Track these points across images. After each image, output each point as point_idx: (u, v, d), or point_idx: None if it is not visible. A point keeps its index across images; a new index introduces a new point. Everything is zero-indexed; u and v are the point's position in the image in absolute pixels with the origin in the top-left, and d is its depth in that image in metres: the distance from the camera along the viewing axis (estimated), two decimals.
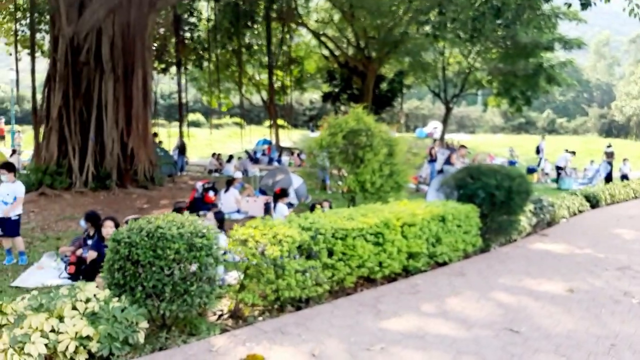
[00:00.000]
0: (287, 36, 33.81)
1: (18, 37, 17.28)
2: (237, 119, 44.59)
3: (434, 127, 40.36)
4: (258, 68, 35.76)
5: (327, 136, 9.40)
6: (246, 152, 26.77)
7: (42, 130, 15.03)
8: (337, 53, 32.80)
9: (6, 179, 7.31)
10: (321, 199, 9.74)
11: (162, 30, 25.47)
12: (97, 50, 14.88)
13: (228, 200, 12.01)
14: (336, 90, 38.77)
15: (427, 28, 16.72)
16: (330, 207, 8.51)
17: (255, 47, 32.37)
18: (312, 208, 7.69)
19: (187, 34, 28.04)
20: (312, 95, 48.08)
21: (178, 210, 9.22)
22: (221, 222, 7.50)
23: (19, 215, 7.48)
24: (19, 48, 17.93)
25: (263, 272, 4.60)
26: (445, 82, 32.77)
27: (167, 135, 32.35)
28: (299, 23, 31.62)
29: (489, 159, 24.37)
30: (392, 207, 6.20)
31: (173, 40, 26.72)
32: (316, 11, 33.76)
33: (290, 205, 12.39)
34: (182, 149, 20.31)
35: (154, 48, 26.63)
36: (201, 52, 29.17)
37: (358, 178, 9.05)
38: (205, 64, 30.27)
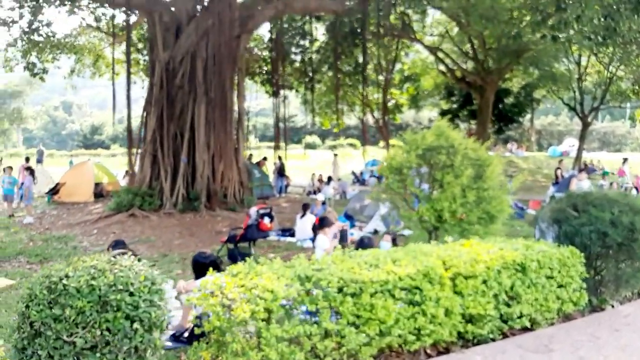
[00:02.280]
0: (402, 53, 32.61)
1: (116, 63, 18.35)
2: (352, 140, 44.06)
3: (570, 144, 35.62)
4: (372, 87, 34.80)
5: (400, 155, 7.94)
6: (352, 173, 25.76)
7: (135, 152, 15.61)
8: (453, 67, 30.61)
9: None
10: (391, 231, 8.23)
11: (267, 53, 25.77)
12: (191, 73, 15.06)
13: (304, 226, 10.99)
14: (454, 106, 36.39)
15: (545, 30, 14.24)
16: (395, 243, 7.00)
17: (369, 66, 31.50)
18: (360, 243, 6.26)
19: (298, 57, 28.23)
20: (431, 113, 45.89)
21: (232, 238, 8.44)
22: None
23: None
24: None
25: (226, 340, 3.38)
26: (582, 94, 28.62)
27: (284, 157, 32.82)
28: (413, 39, 30.07)
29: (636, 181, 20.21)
30: (445, 249, 4.59)
31: (283, 62, 27.11)
32: (432, 26, 32.01)
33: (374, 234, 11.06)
34: (280, 170, 19.93)
35: (263, 72, 27.23)
36: (311, 74, 29.12)
37: (434, 205, 7.42)
38: (317, 85, 30.21)
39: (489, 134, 35.05)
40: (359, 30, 25.87)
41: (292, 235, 11.19)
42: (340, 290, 3.76)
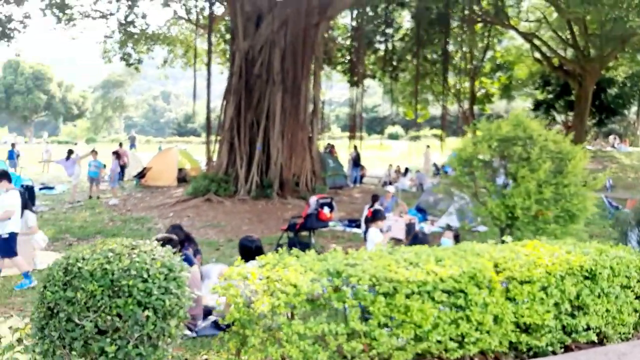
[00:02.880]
0: (494, 40, 30.87)
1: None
2: (437, 131, 42.63)
3: None
4: (460, 76, 33.22)
5: (470, 146, 7.38)
6: (434, 165, 24.85)
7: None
8: (550, 55, 28.37)
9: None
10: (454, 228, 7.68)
11: (350, 42, 25.45)
12: (269, 62, 15.21)
13: None
14: (550, 97, 33.87)
15: None
16: (457, 240, 6.51)
17: (458, 54, 30.09)
18: (414, 238, 5.87)
19: (382, 45, 27.61)
20: (524, 104, 43.18)
21: (292, 226, 8.36)
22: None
23: (10, 233, 6.46)
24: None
25: (247, 334, 3.23)
26: None
27: (364, 148, 32.46)
28: (507, 25, 28.25)
29: None
30: (501, 250, 4.10)
31: (366, 51, 26.66)
32: (528, 11, 29.85)
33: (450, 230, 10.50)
34: (356, 160, 19.66)
35: (345, 61, 26.95)
36: (395, 63, 28.41)
37: (505, 201, 6.82)
38: (401, 74, 29.45)
39: (588, 127, 32.23)
40: (446, 16, 24.77)
41: (359, 226, 10.95)
42: (372, 287, 3.47)
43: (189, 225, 11.32)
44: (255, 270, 3.47)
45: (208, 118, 16.01)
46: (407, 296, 3.50)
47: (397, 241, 10.08)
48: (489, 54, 32.47)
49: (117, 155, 15.21)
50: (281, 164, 14.79)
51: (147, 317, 2.91)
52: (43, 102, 61.61)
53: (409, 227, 10.08)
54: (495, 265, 3.88)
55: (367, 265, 3.60)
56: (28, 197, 13.19)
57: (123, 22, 23.55)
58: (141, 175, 18.81)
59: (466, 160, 7.28)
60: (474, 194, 7.62)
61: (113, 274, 2.89)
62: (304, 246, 8.54)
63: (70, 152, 15.25)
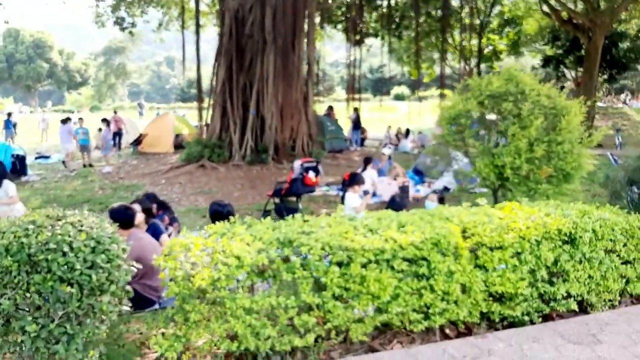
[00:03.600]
0: None
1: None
2: (446, 91, 41.73)
3: None
4: (467, 33, 32.03)
5: (458, 102, 6.99)
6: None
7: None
8: (559, 8, 27.19)
9: None
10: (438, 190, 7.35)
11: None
12: (260, 22, 14.62)
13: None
14: (560, 52, 32.74)
15: None
16: (442, 203, 6.21)
17: (464, 9, 28.96)
18: (391, 202, 5.56)
19: (384, 2, 26.63)
20: (533, 61, 41.91)
21: (278, 191, 8.12)
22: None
23: None
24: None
25: (187, 310, 3.00)
26: None
27: (368, 109, 31.84)
28: None
29: None
30: (473, 214, 3.80)
31: (368, 9, 25.73)
32: None
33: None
34: (356, 122, 19.21)
35: (346, 17, 26.02)
36: (398, 20, 27.47)
37: (494, 161, 6.48)
38: (405, 32, 28.53)
39: (599, 83, 31.23)
40: None
41: None
42: (324, 257, 3.21)
43: (179, 192, 11.15)
44: (200, 240, 3.22)
45: (199, 81, 15.61)
46: (364, 265, 3.24)
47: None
48: (497, 9, 31.31)
49: (107, 122, 14.93)
50: (276, 127, 14.42)
51: (71, 293, 2.68)
52: (45, 71, 61.23)
53: (403, 190, 9.79)
54: (464, 231, 3.59)
55: (321, 233, 3.33)
56: (19, 166, 13.08)
57: None
58: (137, 142, 18.59)
59: (454, 118, 6.90)
60: (465, 154, 7.29)
61: (30, 248, 2.65)
62: (291, 212, 8.31)
63: (67, 119, 14.98)
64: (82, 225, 2.93)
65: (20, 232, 2.72)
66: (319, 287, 3.25)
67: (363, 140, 20.17)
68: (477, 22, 28.90)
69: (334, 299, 3.21)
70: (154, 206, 6.74)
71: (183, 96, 60.51)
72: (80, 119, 14.50)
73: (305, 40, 15.52)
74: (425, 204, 6.45)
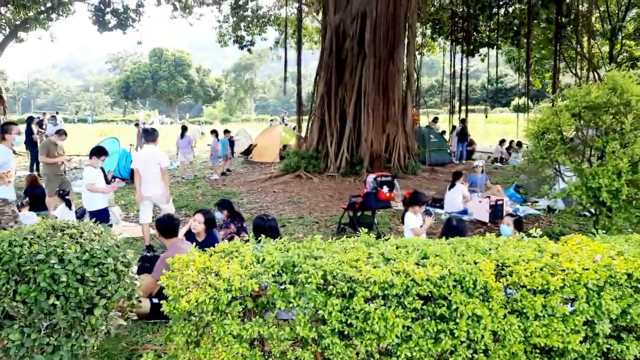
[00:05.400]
0: None
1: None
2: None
3: None
4: (597, 39, 28.90)
5: (549, 115, 6.17)
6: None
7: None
8: None
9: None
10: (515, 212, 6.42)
11: (463, 9, 23.39)
12: (360, 35, 14.53)
13: (453, 198, 9.76)
14: None
15: None
16: (519, 228, 5.43)
17: (595, 14, 26.27)
18: (447, 225, 4.94)
19: (502, 10, 25.09)
20: None
21: (352, 205, 7.85)
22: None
23: (98, 209, 6.98)
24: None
25: (175, 331, 2.88)
26: None
27: (484, 121, 30.06)
28: None
29: None
30: (519, 247, 3.18)
31: (481, 17, 24.40)
32: None
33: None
34: (461, 135, 18.15)
35: (458, 28, 24.91)
36: (516, 28, 25.64)
37: (588, 182, 5.57)
38: (524, 40, 26.57)
39: None
40: None
41: (442, 207, 10.02)
42: (321, 287, 2.88)
43: (270, 201, 11.35)
44: (201, 258, 3.09)
45: (299, 95, 15.90)
46: (368, 300, 2.85)
47: (482, 224, 9.02)
48: (633, 12, 27.80)
49: (216, 133, 15.79)
50: (372, 139, 14.14)
51: (54, 305, 2.69)
52: (184, 87, 67.44)
53: (496, 207, 8.93)
54: (501, 267, 3.01)
55: (327, 260, 3.00)
56: None
57: (235, 5, 24.44)
58: (247, 151, 19.50)
59: (543, 132, 6.07)
60: (556, 172, 6.38)
61: (20, 258, 2.71)
62: (365, 227, 7.98)
63: (184, 128, 16.21)
64: (80, 237, 2.95)
65: (20, 240, 2.80)
66: (319, 319, 2.93)
67: (471, 153, 18.99)
68: (609, 27, 25.94)
69: (333, 335, 2.87)
70: (225, 213, 6.88)
71: (303, 109, 62.59)
72: (226, 130, 15.74)
73: (405, 51, 15.05)
74: (500, 229, 5.71)
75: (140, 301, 3.38)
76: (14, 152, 21.81)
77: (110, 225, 7.29)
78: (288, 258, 3.06)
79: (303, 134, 16.06)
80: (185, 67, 67.67)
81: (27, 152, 16.77)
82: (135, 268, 5.48)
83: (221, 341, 2.84)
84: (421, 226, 5.44)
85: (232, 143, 20.24)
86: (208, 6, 24.33)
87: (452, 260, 3.01)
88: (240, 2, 24.13)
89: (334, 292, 2.87)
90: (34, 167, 14.85)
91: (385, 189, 7.37)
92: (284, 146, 19.11)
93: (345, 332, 2.91)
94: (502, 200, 9.08)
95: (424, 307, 2.90)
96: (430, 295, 2.89)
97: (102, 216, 7.03)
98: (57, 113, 25.63)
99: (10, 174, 6.84)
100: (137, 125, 24.32)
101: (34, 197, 9.50)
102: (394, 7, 14.15)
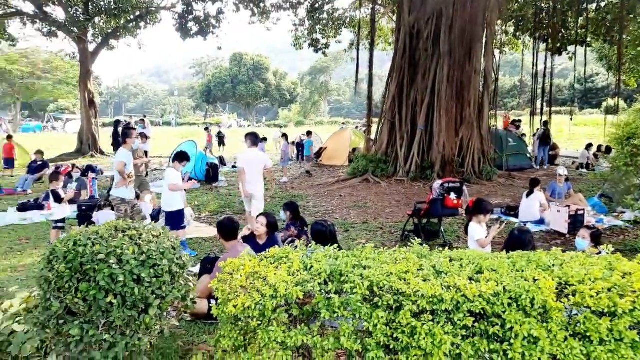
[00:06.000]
0: None
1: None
2: None
3: None
4: None
5: (635, 119, 5.67)
6: None
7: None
8: None
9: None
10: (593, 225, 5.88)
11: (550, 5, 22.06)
12: (435, 35, 14.19)
13: (529, 206, 9.24)
14: None
15: None
16: (598, 242, 5.01)
17: None
18: (510, 237, 4.62)
19: (593, 5, 23.45)
20: None
21: (417, 212, 7.66)
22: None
23: (176, 210, 7.31)
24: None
25: (222, 334, 2.93)
26: None
27: (571, 124, 28.27)
28: None
29: None
30: (584, 264, 2.91)
31: (569, 13, 22.93)
32: None
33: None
34: (543, 139, 17.14)
35: (544, 25, 23.59)
36: (609, 24, 23.84)
37: None
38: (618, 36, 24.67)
39: None
40: None
41: (517, 215, 9.52)
42: (367, 298, 2.82)
43: (336, 204, 11.36)
44: (251, 263, 3.14)
45: (369, 97, 15.74)
46: (416, 314, 2.75)
47: (560, 235, 8.44)
48: None
49: (285, 136, 16.09)
50: (444, 143, 13.74)
51: (111, 303, 2.84)
52: (262, 90, 69.36)
53: (575, 219, 8.33)
54: (564, 286, 2.78)
55: (374, 270, 2.93)
56: (212, 174, 14.92)
57: (310, 9, 24.75)
58: (318, 154, 19.68)
59: (628, 138, 5.58)
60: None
61: (82, 257, 2.89)
62: (431, 235, 7.75)
63: (285, 135, 16.84)
64: (139, 239, 3.10)
65: (84, 240, 2.99)
66: (364, 331, 2.87)
67: (554, 158, 17.89)
68: None
69: (379, 348, 2.79)
70: (288, 214, 6.96)
71: (376, 112, 62.24)
72: (309, 132, 16.18)
73: (483, 51, 14.47)
74: (576, 242, 5.30)
75: (195, 302, 3.49)
76: (103, 153, 23.44)
77: (184, 227, 7.64)
78: (335, 266, 3.02)
79: (373, 137, 15.91)
80: (263, 71, 69.55)
81: (114, 154, 17.99)
82: (196, 269, 5.71)
83: (266, 347, 2.86)
84: (486, 237, 5.18)
85: (301, 146, 20.55)
86: (285, 10, 24.80)
87: (509, 276, 2.82)
88: (316, 5, 24.37)
89: (380, 304, 2.80)
90: None
91: (452, 195, 7.11)
92: (354, 149, 19.08)
93: (391, 347, 2.82)
94: (583, 210, 8.45)
95: (476, 324, 2.75)
96: (482, 312, 2.74)
97: (178, 217, 7.41)
98: (144, 116, 27.33)
99: (133, 174, 7.44)
100: (206, 129, 25.30)
101: None
102: (471, 6, 13.67)
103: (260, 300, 2.83)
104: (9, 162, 17.31)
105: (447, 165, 13.57)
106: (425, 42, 14.38)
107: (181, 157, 7.63)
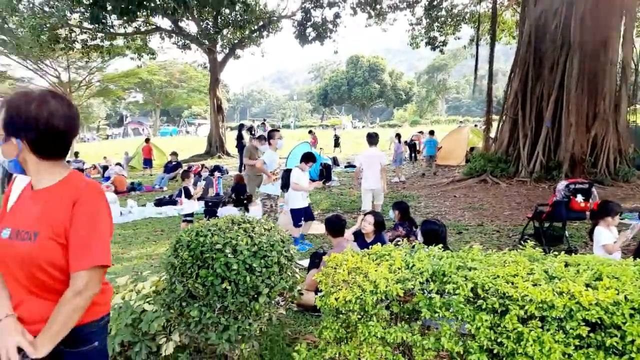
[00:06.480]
0: None
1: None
2: None
3: None
4: None
5: None
6: None
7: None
8: None
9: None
10: None
11: None
12: (565, 26, 13.13)
13: None
14: None
15: None
16: None
17: None
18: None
19: None
20: None
21: (538, 215, 7.18)
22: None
23: (296, 208, 7.64)
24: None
25: (325, 325, 3.04)
26: None
27: None
28: None
29: None
30: None
31: None
32: None
33: None
34: None
35: None
36: None
37: None
38: None
39: None
40: None
41: None
42: (473, 302, 2.73)
43: (450, 206, 11.04)
44: (353, 259, 3.22)
45: (489, 93, 14.99)
46: (523, 320, 2.61)
47: None
48: None
49: (398, 136, 15.96)
50: (573, 141, 12.64)
51: (226, 289, 3.10)
52: (377, 91, 69.48)
53: None
54: None
55: (480, 272, 2.84)
56: (326, 174, 15.33)
57: (428, 7, 24.31)
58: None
59: None
60: None
61: (203, 246, 3.18)
62: (553, 239, 7.19)
63: (398, 135, 16.93)
64: (252, 231, 3.34)
65: (204, 231, 3.30)
66: (466, 334, 2.79)
67: None
68: None
69: (481, 352, 2.70)
70: (397, 213, 6.94)
71: (498, 108, 59.09)
72: (431, 131, 16.28)
73: (621, 40, 13.06)
74: None
75: (302, 294, 3.65)
76: (229, 154, 25.18)
77: (300, 225, 7.97)
78: (438, 267, 2.98)
79: (493, 135, 15.16)
80: (379, 72, 69.59)
81: (238, 155, 19.29)
82: (305, 263, 5.93)
83: (366, 342, 2.91)
84: (615, 242, 4.68)
85: (413, 147, 20.23)
86: (401, 11, 24.63)
87: (633, 284, 2.56)
88: (434, 3, 23.87)
89: (484, 306, 2.70)
90: (241, 168, 17.02)
91: (579, 197, 6.54)
92: (471, 148, 18.33)
93: (495, 351, 2.70)
94: None
95: (591, 335, 2.53)
96: (599, 322, 2.52)
97: (298, 214, 7.80)
98: (265, 120, 28.90)
99: (277, 172, 8.11)
100: (310, 132, 25.97)
101: (238, 193, 10.89)
102: None
103: (361, 294, 2.89)
104: (148, 163, 19.41)
105: (577, 165, 12.47)
106: (552, 33, 13.37)
107: (308, 158, 7.98)
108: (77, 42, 23.32)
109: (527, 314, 2.60)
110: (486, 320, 2.67)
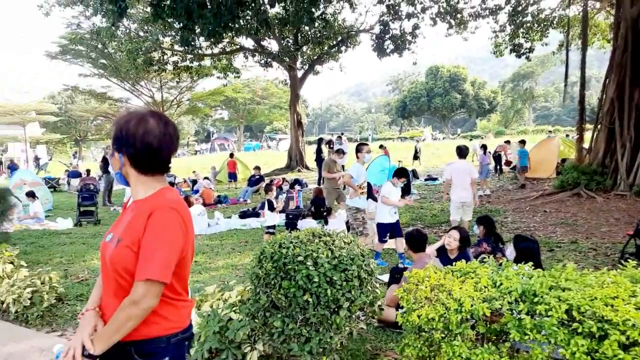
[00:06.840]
0: None
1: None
2: None
3: None
4: None
5: None
6: None
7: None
8: None
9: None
10: None
11: None
12: None
13: None
14: None
15: None
16: None
17: None
18: None
19: None
20: None
21: (639, 231, 6.61)
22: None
23: (380, 222, 7.62)
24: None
25: (406, 342, 2.98)
26: None
27: None
28: None
29: None
30: None
31: None
32: None
33: None
34: None
35: None
36: None
37: None
38: None
39: None
40: None
41: None
42: (568, 325, 2.55)
43: (539, 221, 10.45)
44: (436, 275, 3.15)
45: (581, 101, 14.04)
46: (625, 347, 2.41)
47: None
48: None
49: (484, 148, 15.38)
50: None
51: (307, 301, 3.15)
52: (458, 101, 67.68)
53: None
54: None
55: (575, 293, 2.66)
56: (405, 187, 15.13)
57: (513, 12, 23.39)
58: (509, 165, 18.37)
59: None
60: None
61: (285, 258, 3.26)
62: None
63: (484, 146, 16.48)
64: (333, 244, 3.37)
65: (285, 244, 3.38)
66: (561, 359, 2.62)
67: None
68: None
69: None
70: (481, 229, 6.67)
71: (592, 117, 55.24)
72: (522, 141, 15.89)
73: None
74: None
75: (382, 309, 3.62)
76: (308, 168, 25.62)
77: (385, 241, 7.88)
78: (529, 286, 2.83)
79: (586, 146, 14.20)
80: (460, 82, 67.79)
81: (317, 168, 19.57)
82: (385, 278, 5.86)
83: (446, 355, 2.83)
84: None
85: (498, 158, 19.40)
86: (483, 18, 23.92)
87: None
88: (519, 8, 22.94)
89: (579, 330, 2.52)
90: (320, 181, 17.23)
91: None
92: (563, 160, 17.25)
93: None
94: None
95: None
96: None
97: (384, 229, 7.74)
98: (342, 134, 29.13)
99: (364, 186, 8.27)
100: (381, 146, 25.63)
101: (317, 206, 11.02)
102: None
103: (445, 313, 2.82)
104: (232, 176, 20.22)
105: None
106: None
107: (400, 173, 7.98)
108: (169, 63, 25.00)
109: (629, 340, 2.40)
110: (582, 345, 2.50)
